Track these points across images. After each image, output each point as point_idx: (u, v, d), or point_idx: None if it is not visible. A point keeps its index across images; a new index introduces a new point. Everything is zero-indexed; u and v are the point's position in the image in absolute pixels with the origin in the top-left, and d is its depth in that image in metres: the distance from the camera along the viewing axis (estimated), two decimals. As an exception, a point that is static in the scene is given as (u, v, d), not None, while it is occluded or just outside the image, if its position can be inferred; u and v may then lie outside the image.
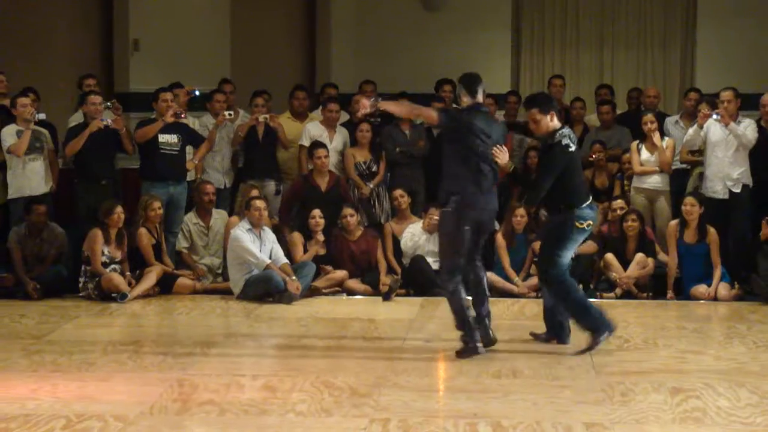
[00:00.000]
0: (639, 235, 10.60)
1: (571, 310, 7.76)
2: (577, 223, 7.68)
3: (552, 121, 7.77)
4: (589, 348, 7.60)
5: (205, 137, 11.26)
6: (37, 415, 5.97)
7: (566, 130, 7.80)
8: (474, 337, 7.58)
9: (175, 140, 10.92)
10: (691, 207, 10.37)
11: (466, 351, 7.54)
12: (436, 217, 10.45)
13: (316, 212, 10.75)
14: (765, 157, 10.78)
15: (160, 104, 10.92)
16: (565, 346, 7.87)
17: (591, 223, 7.77)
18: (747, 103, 11.24)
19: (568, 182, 7.71)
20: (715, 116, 10.65)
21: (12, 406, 6.16)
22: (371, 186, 11.45)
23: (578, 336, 7.88)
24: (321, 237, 10.76)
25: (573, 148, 7.73)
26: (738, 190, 10.70)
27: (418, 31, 16.03)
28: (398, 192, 11.15)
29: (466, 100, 7.76)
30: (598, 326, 7.65)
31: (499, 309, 8.40)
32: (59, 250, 10.54)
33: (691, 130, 10.99)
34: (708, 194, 10.71)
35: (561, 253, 7.74)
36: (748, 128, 10.67)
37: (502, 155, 7.68)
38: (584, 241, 10.18)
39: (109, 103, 11.14)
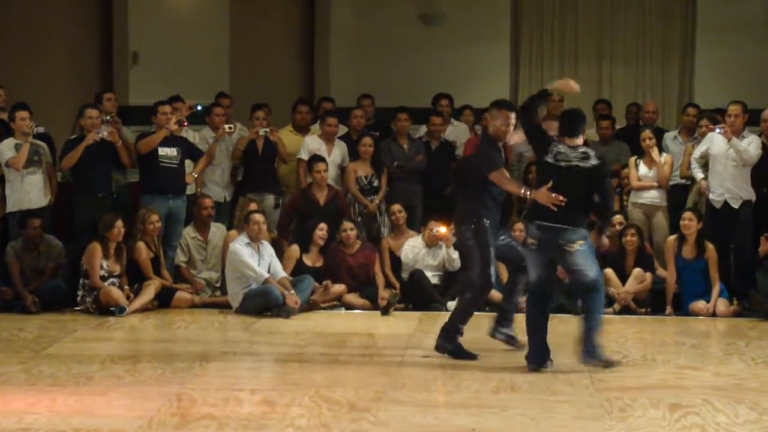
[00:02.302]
0: (638, 250, 10.60)
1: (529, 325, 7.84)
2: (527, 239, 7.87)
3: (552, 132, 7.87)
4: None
5: (204, 151, 11.26)
6: (35, 429, 5.97)
7: (559, 146, 7.75)
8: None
9: (175, 153, 10.92)
10: (689, 222, 10.35)
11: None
12: (437, 230, 10.51)
13: (324, 225, 10.75)
14: (766, 173, 10.77)
15: (159, 117, 10.92)
16: (557, 359, 7.87)
17: (534, 242, 7.72)
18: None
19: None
20: (718, 130, 10.62)
21: (10, 420, 6.15)
22: (377, 201, 11.46)
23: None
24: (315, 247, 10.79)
25: (549, 159, 7.69)
26: (737, 206, 10.68)
27: (417, 45, 16.05)
28: (397, 207, 11.14)
29: None
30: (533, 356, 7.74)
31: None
32: (57, 262, 10.52)
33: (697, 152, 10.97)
34: (710, 200, 10.71)
35: (530, 269, 7.88)
36: (751, 144, 10.62)
37: None
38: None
39: (108, 117, 11.15)
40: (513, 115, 8.13)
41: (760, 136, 10.94)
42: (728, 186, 10.67)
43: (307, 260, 10.76)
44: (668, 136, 11.88)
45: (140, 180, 11.18)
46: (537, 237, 7.71)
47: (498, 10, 16.30)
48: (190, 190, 11.28)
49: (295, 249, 10.78)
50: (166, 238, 10.85)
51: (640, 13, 16.32)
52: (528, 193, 7.86)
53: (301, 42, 16.26)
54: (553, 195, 7.61)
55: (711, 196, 10.73)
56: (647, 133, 11.34)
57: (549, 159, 7.71)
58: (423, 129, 12.42)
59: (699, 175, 10.90)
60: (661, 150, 11.40)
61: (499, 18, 16.32)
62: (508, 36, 16.40)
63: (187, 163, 11.10)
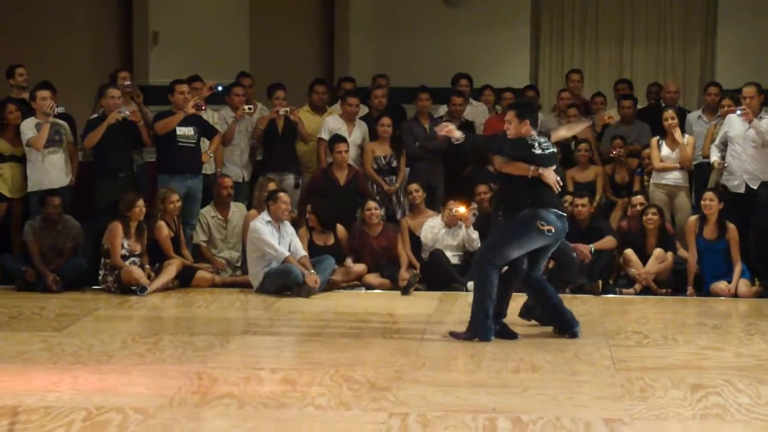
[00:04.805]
0: (659, 230, 10.57)
1: (477, 303, 7.83)
2: (538, 223, 7.68)
3: (524, 128, 7.79)
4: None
5: (219, 130, 11.26)
6: (58, 407, 5.98)
7: (540, 138, 7.82)
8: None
9: (192, 132, 10.91)
10: (710, 202, 10.30)
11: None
12: (456, 210, 10.49)
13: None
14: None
15: (176, 96, 10.92)
16: (578, 339, 7.92)
17: (552, 230, 7.70)
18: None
19: (533, 182, 7.74)
20: (738, 112, 10.57)
21: (32, 398, 6.17)
22: (397, 185, 11.45)
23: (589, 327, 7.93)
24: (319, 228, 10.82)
25: (537, 151, 7.72)
26: (756, 186, 10.62)
27: (438, 25, 16.02)
28: (413, 186, 11.12)
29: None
30: (480, 331, 7.80)
31: (515, 305, 8.37)
32: (75, 242, 10.54)
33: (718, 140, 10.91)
34: (728, 187, 10.65)
35: (508, 248, 7.79)
36: (771, 125, 10.59)
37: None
38: (604, 241, 10.21)
39: (128, 85, 11.17)
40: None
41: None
42: (747, 167, 10.62)
43: (318, 240, 10.78)
44: (692, 117, 11.82)
45: (157, 160, 11.20)
46: (555, 225, 7.73)
47: (519, -9, 16.25)
48: (209, 169, 11.29)
49: (302, 231, 10.77)
50: (184, 217, 10.86)
51: (662, -8, 16.25)
52: (540, 172, 7.77)
53: (321, 22, 16.24)
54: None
55: (729, 183, 10.65)
56: (670, 113, 11.26)
57: (537, 151, 7.74)
58: (442, 109, 12.40)
59: (714, 157, 10.83)
60: (683, 130, 11.34)
61: (521, -1, 16.28)
62: (529, 17, 16.35)
63: (203, 141, 11.11)
